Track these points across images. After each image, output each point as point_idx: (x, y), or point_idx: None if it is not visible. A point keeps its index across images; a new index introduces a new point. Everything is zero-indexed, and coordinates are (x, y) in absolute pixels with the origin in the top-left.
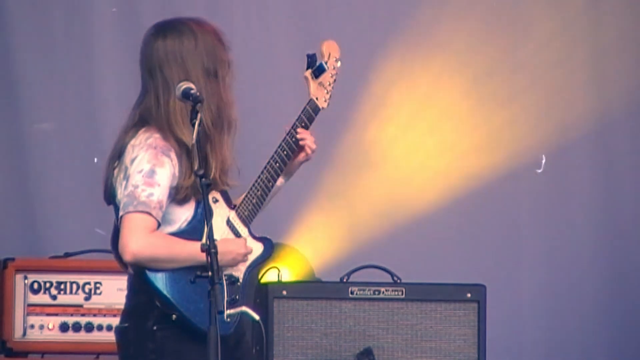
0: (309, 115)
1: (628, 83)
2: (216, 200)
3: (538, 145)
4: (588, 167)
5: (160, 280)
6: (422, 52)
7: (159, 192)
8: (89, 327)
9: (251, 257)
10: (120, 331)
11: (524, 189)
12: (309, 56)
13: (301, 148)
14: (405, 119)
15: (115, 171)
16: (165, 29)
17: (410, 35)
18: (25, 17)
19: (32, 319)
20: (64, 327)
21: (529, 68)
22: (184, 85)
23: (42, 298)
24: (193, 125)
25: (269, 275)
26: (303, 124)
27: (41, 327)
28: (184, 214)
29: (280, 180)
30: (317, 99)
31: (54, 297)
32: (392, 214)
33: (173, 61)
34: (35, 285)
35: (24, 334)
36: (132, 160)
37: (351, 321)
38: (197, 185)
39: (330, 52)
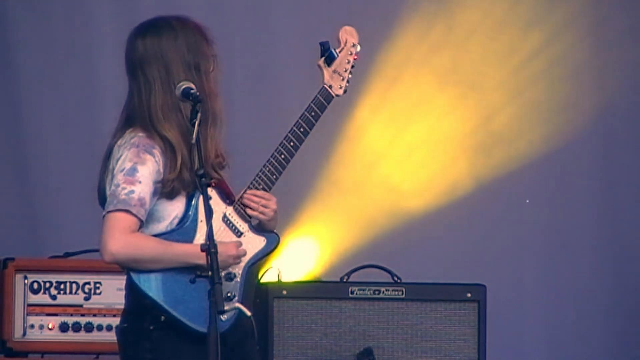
0: (320, 103)
1: (631, 83)
2: (209, 198)
3: (539, 145)
4: (589, 166)
5: (145, 282)
6: (423, 50)
7: (140, 189)
8: (89, 327)
9: (252, 252)
10: (120, 331)
11: (525, 189)
12: (321, 44)
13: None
14: (406, 119)
15: (106, 173)
16: (145, 28)
17: (411, 34)
18: (25, 17)
19: (32, 319)
20: (63, 327)
21: (530, 67)
22: (184, 85)
23: (42, 298)
24: (193, 125)
25: (268, 275)
26: (313, 113)
27: (41, 327)
28: (173, 211)
29: None
30: (330, 87)
31: (54, 297)
32: (392, 213)
33: (153, 58)
34: (35, 285)
35: (24, 334)
36: (117, 160)
37: (351, 321)
38: (183, 178)
39: (347, 38)
